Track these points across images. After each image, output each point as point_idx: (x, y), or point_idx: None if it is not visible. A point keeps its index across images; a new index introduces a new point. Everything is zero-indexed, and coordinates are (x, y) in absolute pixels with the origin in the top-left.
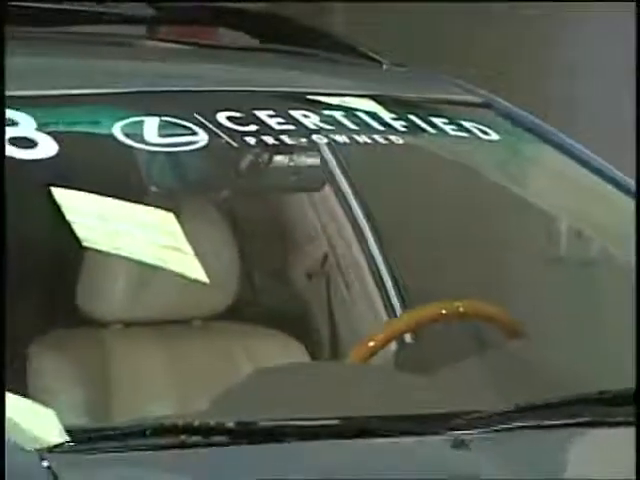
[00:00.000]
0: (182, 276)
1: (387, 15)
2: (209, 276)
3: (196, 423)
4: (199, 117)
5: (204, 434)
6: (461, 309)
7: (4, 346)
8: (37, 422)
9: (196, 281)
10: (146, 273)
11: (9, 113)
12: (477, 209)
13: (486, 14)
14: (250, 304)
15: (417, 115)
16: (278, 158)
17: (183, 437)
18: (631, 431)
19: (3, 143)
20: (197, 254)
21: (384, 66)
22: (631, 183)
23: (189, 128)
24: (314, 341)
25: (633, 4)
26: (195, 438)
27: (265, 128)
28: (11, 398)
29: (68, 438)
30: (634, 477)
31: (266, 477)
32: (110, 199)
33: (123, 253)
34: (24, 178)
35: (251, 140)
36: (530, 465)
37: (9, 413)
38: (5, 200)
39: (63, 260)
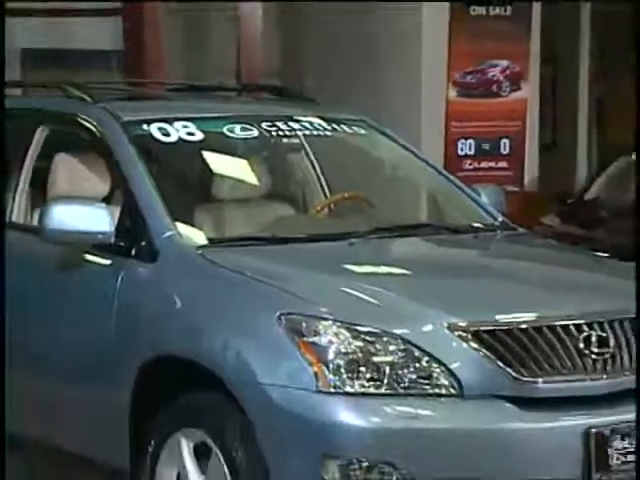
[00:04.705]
0: (249, 183)
1: None
2: (259, 183)
3: (255, 235)
4: (254, 124)
5: (259, 240)
6: (351, 194)
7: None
8: (194, 234)
9: (254, 185)
10: (236, 183)
11: (185, 123)
12: (358, 160)
13: None
14: (274, 193)
15: (334, 123)
16: (284, 140)
17: (250, 241)
18: (422, 240)
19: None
20: (255, 177)
21: (319, 104)
22: (419, 151)
23: (250, 129)
24: (297, 207)
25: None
26: (256, 242)
27: (279, 128)
28: (189, 226)
29: (207, 242)
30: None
31: (281, 256)
32: (222, 155)
33: (227, 174)
34: (189, 148)
35: (274, 133)
36: (381, 252)
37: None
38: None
39: (206, 181)
